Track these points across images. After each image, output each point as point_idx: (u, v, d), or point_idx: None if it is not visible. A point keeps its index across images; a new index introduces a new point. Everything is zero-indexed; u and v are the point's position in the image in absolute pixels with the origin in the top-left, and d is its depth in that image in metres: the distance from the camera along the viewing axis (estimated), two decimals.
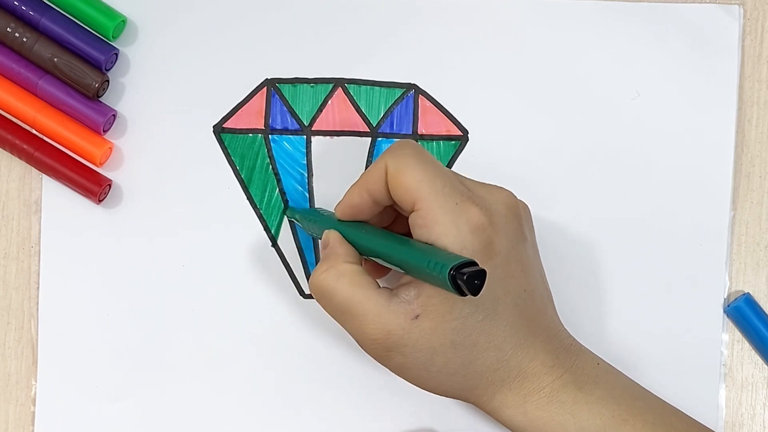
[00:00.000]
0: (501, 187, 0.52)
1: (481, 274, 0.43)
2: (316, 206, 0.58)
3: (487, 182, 0.52)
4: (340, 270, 0.50)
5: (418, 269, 0.46)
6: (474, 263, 0.44)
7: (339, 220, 0.52)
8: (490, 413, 0.51)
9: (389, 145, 0.58)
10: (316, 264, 0.57)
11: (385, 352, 0.49)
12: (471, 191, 0.50)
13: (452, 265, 0.43)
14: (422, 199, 0.48)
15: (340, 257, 0.50)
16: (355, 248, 0.51)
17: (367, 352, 0.50)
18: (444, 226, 0.48)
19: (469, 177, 0.54)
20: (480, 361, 0.49)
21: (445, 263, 0.44)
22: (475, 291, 0.43)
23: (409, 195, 0.49)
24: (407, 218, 0.50)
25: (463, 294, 0.43)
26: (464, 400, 0.51)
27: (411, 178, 0.49)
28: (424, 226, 0.48)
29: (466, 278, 0.43)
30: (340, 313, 0.50)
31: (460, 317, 0.48)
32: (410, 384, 0.51)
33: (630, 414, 0.50)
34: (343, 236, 0.51)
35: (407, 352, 0.49)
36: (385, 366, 0.50)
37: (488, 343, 0.49)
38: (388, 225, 0.53)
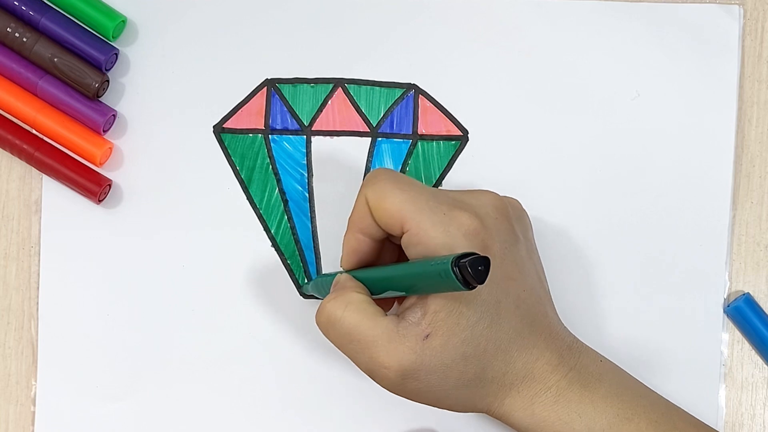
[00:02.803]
0: (486, 191, 0.52)
1: (485, 260, 0.43)
2: (315, 206, 0.58)
3: (471, 188, 0.52)
4: (348, 299, 0.49)
5: (421, 277, 0.46)
6: (475, 254, 0.43)
7: (346, 270, 0.52)
8: (500, 418, 0.51)
9: (389, 145, 0.58)
10: (317, 264, 0.58)
11: (399, 380, 0.48)
12: (456, 200, 0.50)
13: (454, 257, 0.43)
14: (409, 219, 0.48)
15: (348, 289, 0.50)
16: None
17: (379, 384, 0.49)
18: (436, 238, 0.48)
19: (469, 177, 0.54)
20: (490, 368, 0.49)
21: (447, 259, 0.43)
22: (481, 278, 0.43)
23: (395, 218, 0.49)
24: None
25: (469, 286, 0.43)
26: (478, 411, 0.51)
27: (392, 202, 0.49)
28: (418, 243, 0.48)
29: (470, 265, 0.42)
30: (348, 342, 0.49)
31: (468, 327, 0.48)
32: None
33: (634, 413, 0.50)
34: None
35: (421, 376, 0.48)
36: (400, 394, 0.50)
37: (495, 349, 0.49)
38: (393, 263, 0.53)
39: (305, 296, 0.58)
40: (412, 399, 0.50)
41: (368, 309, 0.49)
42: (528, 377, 0.49)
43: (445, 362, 0.48)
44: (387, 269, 0.50)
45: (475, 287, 0.43)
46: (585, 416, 0.49)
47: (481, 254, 0.43)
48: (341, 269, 0.53)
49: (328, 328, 0.50)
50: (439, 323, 0.47)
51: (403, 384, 0.49)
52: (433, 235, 0.48)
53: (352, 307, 0.49)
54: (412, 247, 0.48)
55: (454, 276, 0.43)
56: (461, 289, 0.43)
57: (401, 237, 0.49)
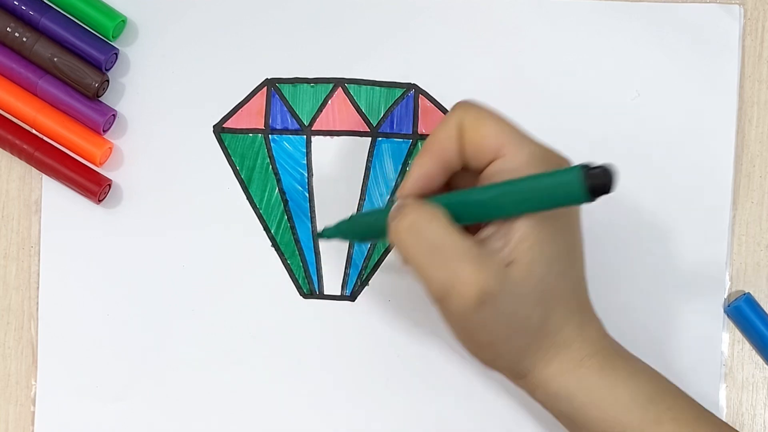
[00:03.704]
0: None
1: (612, 173, 0.42)
2: (315, 206, 0.58)
3: None
4: (433, 212, 0.46)
5: (533, 191, 0.44)
6: (600, 166, 0.42)
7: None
8: (539, 386, 0.49)
9: (389, 145, 0.58)
10: (317, 264, 0.58)
11: (475, 304, 0.45)
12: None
13: (582, 165, 0.42)
14: (509, 144, 0.47)
15: (428, 205, 0.47)
16: None
17: (447, 307, 0.46)
18: (538, 167, 0.46)
19: None
20: (551, 318, 0.48)
21: (573, 168, 0.42)
22: (607, 189, 0.42)
23: (492, 144, 0.47)
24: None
25: (593, 196, 0.42)
26: (518, 373, 0.49)
27: (492, 126, 0.47)
28: (515, 169, 0.46)
29: (601, 173, 0.42)
30: (429, 252, 0.46)
31: (547, 263, 0.46)
32: (469, 358, 0.49)
33: (669, 389, 0.50)
34: None
35: (498, 303, 0.46)
36: (463, 323, 0.47)
37: (560, 298, 0.48)
38: None
39: (305, 296, 0.58)
40: (468, 336, 0.48)
41: (455, 225, 0.46)
42: (581, 337, 0.48)
43: (521, 295, 0.46)
44: (477, 191, 0.47)
45: (596, 198, 0.42)
46: (630, 384, 0.49)
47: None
48: (396, 199, 0.50)
49: (409, 236, 0.46)
50: (521, 253, 0.46)
51: (477, 310, 0.46)
52: (534, 163, 0.46)
53: (439, 218, 0.46)
54: (506, 173, 0.46)
55: (583, 182, 0.42)
56: (582, 200, 0.42)
57: (486, 166, 0.47)
